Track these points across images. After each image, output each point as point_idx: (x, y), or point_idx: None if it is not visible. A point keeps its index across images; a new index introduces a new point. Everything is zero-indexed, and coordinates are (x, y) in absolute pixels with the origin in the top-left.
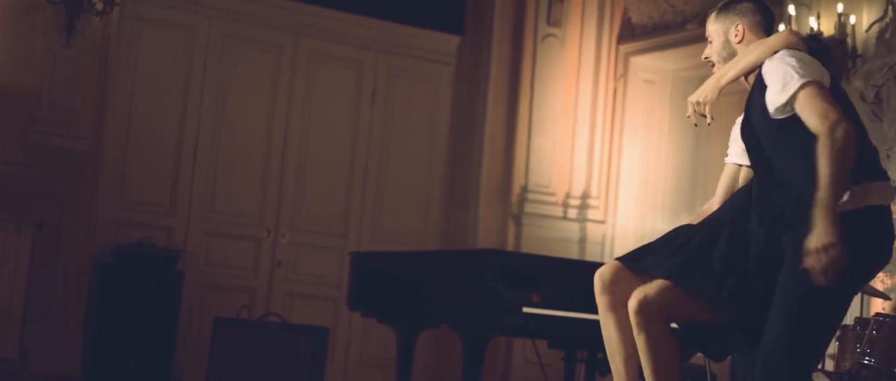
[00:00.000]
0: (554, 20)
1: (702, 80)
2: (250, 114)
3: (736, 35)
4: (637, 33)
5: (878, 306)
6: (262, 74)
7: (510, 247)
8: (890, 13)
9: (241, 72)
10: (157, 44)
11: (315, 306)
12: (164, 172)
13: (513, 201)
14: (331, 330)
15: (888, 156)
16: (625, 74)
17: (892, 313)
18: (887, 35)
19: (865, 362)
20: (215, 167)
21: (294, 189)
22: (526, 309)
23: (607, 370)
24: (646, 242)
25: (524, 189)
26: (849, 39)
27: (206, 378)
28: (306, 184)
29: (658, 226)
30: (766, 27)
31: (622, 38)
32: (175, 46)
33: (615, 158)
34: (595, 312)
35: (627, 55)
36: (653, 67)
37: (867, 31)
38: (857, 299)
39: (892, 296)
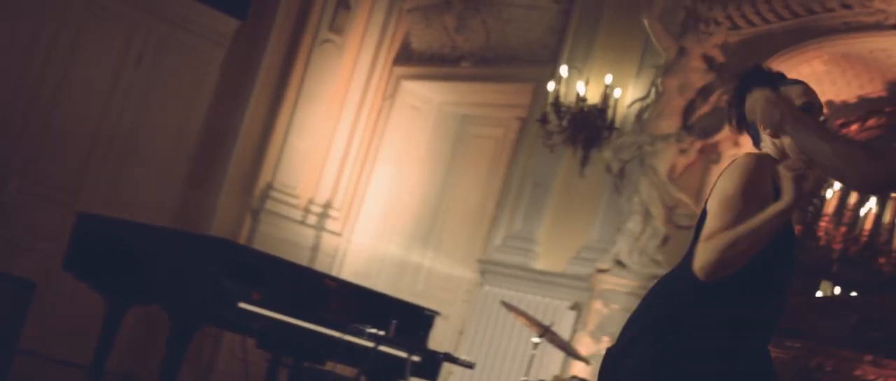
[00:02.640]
0: (336, 27)
1: (465, 117)
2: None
3: None
4: (414, 58)
5: (577, 368)
6: (24, 22)
7: (243, 240)
8: (652, 95)
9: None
10: None
11: (31, 259)
12: None
13: (255, 196)
14: (40, 286)
15: (619, 229)
16: (393, 96)
17: (587, 378)
18: (645, 115)
19: None
20: None
21: (32, 140)
22: (242, 304)
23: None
24: (375, 262)
25: (269, 186)
26: (610, 111)
27: None
28: (47, 137)
29: (391, 250)
30: None
31: (398, 60)
32: None
33: (366, 175)
34: (311, 321)
35: (400, 78)
36: (421, 94)
37: (629, 106)
38: (559, 359)
39: (591, 362)
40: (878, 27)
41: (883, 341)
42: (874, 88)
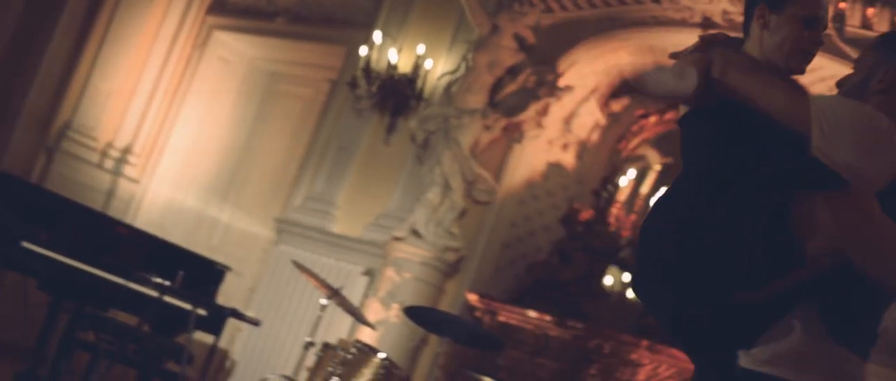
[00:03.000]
0: None
1: (275, 74)
2: None
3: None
4: (228, 9)
5: (364, 334)
6: None
7: (35, 179)
8: (462, 69)
9: None
10: None
11: None
12: None
13: (51, 134)
14: None
15: (418, 199)
16: (204, 45)
17: (370, 345)
18: (453, 88)
19: None
20: None
21: None
22: (26, 244)
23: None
24: (172, 212)
25: (67, 126)
26: (420, 81)
27: None
28: None
29: (188, 201)
30: None
31: (212, 10)
32: None
33: (169, 123)
34: (95, 266)
35: (213, 27)
36: (233, 47)
37: (439, 78)
38: (347, 323)
39: (378, 328)
40: (684, 24)
41: (660, 327)
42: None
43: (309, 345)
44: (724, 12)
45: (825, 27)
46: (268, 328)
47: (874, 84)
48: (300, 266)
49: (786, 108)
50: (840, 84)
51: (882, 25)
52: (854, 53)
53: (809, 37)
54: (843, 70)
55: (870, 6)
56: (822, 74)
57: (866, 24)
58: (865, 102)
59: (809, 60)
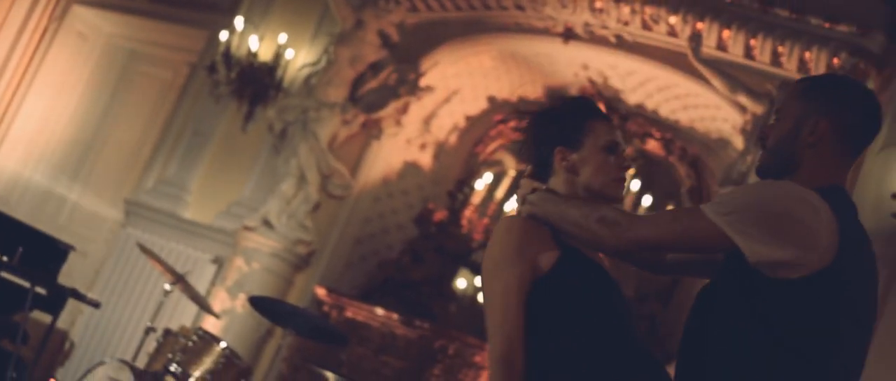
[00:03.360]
0: None
1: (134, 53)
2: None
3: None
4: None
5: (209, 322)
6: None
7: None
8: (324, 62)
9: None
10: None
11: None
12: None
13: None
14: None
15: (272, 190)
16: (61, 18)
17: (212, 333)
18: (313, 80)
19: (171, 368)
20: None
21: None
22: None
23: None
24: (18, 188)
25: None
26: (280, 71)
27: None
28: None
29: (36, 178)
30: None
31: None
32: None
33: (19, 96)
34: None
35: (71, 1)
36: (91, 22)
37: (299, 69)
38: (193, 311)
39: (223, 317)
40: (546, 33)
41: None
42: (534, 91)
43: (150, 330)
44: (586, 24)
45: (624, 150)
46: (110, 311)
47: (805, 137)
48: (145, 250)
49: (688, 231)
50: (764, 136)
51: (737, 48)
52: (711, 76)
53: (616, 162)
54: (698, 89)
55: (726, 28)
56: (677, 92)
57: (722, 46)
58: (795, 154)
59: (624, 185)
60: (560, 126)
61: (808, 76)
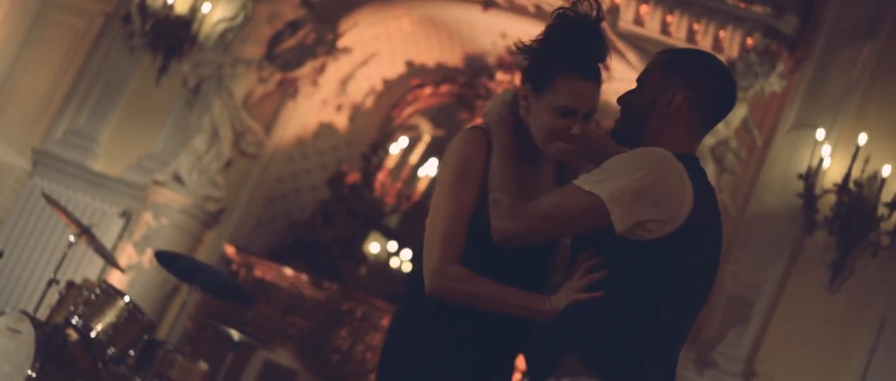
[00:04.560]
0: None
1: (49, 1)
2: None
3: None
4: None
5: (115, 276)
6: None
7: None
8: (241, 18)
9: None
10: None
11: None
12: None
13: None
14: None
15: (184, 145)
16: None
17: (116, 287)
18: (230, 36)
19: (73, 321)
20: None
21: None
22: None
23: None
24: None
25: None
26: (196, 25)
27: None
28: None
29: None
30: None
31: None
32: None
33: None
34: None
35: None
36: None
37: (215, 24)
38: (99, 264)
39: (129, 272)
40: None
41: None
42: (453, 57)
43: (52, 282)
44: None
45: (590, 118)
46: (14, 261)
47: (661, 108)
48: (51, 200)
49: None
50: (623, 102)
51: (654, 24)
52: (626, 50)
53: (565, 126)
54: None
55: (644, 3)
56: None
57: (639, 21)
58: (650, 123)
59: (567, 154)
60: (533, 69)
61: (671, 49)
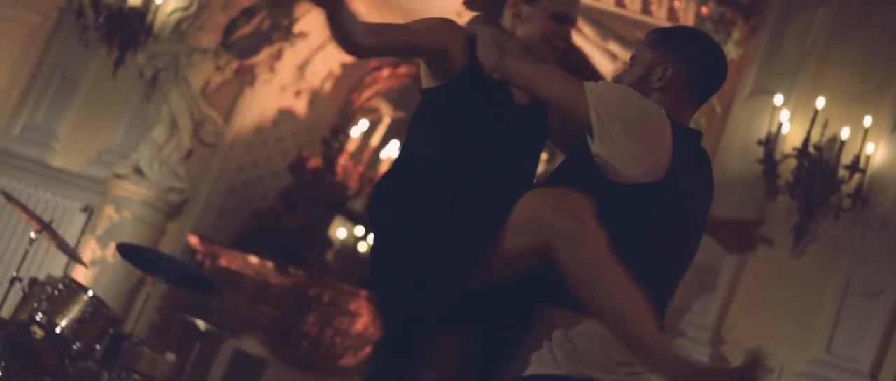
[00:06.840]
0: None
1: None
2: None
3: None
4: None
5: (79, 272)
6: None
7: None
8: (195, 6)
9: None
10: None
11: None
12: None
13: None
14: None
15: (144, 137)
16: None
17: (78, 282)
18: (184, 25)
19: (37, 318)
20: None
21: None
22: None
23: None
24: None
25: None
26: (150, 15)
27: None
28: None
29: None
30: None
31: None
32: None
33: None
34: None
35: None
36: None
37: (169, 14)
38: (62, 260)
39: (93, 267)
40: None
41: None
42: None
43: (15, 280)
44: None
45: (574, 23)
46: None
47: (653, 82)
48: (10, 197)
49: (565, 96)
50: (617, 80)
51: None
52: (583, 24)
53: (559, 31)
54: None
55: None
56: None
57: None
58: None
59: (556, 54)
60: None
61: (662, 27)
